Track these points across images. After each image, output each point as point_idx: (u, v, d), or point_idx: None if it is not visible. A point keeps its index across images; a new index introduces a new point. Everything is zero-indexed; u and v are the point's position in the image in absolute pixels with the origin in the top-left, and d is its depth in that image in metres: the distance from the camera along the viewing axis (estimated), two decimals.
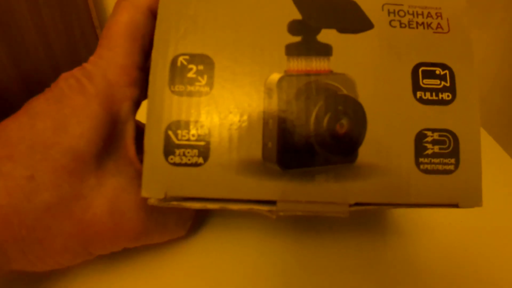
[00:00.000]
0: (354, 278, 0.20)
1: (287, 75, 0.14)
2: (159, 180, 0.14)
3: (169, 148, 0.14)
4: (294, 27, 0.15)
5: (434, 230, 0.23)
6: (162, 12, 0.15)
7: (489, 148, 0.37)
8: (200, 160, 0.14)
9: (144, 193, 0.14)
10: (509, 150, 0.39)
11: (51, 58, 0.32)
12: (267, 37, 0.15)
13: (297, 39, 0.15)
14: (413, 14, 0.15)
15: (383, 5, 0.15)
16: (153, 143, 0.14)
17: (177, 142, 0.14)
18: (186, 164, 0.14)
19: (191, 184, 0.14)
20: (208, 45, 0.14)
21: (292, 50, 0.14)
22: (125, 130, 0.16)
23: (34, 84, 0.30)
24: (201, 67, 0.14)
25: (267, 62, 0.14)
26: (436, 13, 0.15)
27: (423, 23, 0.15)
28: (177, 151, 0.14)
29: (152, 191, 0.14)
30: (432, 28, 0.15)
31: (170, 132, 0.14)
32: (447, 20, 0.15)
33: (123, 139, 0.16)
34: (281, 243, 0.21)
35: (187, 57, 0.14)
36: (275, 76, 0.14)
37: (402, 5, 0.15)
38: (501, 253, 0.22)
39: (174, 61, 0.14)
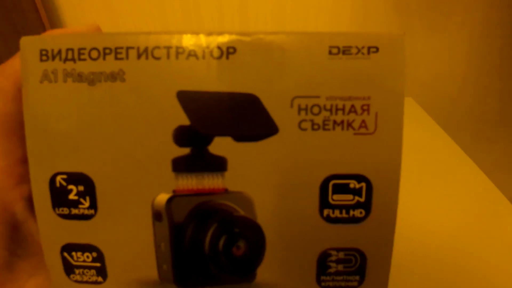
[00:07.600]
0: None
1: (176, 196, 0.13)
2: None
3: (68, 268, 0.14)
4: (180, 136, 0.12)
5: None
6: (30, 126, 0.13)
7: (453, 152, 0.39)
8: (100, 278, 0.14)
9: None
10: (476, 154, 0.40)
11: None
12: (151, 149, 0.12)
13: (186, 151, 0.12)
14: (330, 109, 0.12)
15: (293, 99, 0.12)
16: (54, 264, 0.14)
17: (74, 263, 0.14)
18: (87, 282, 0.14)
19: None
20: (85, 162, 0.13)
21: (179, 166, 0.12)
22: (28, 228, 0.15)
23: None
24: (81, 188, 0.13)
25: (153, 181, 0.12)
26: (362, 106, 0.12)
27: (342, 121, 0.12)
28: (77, 271, 0.14)
29: None
30: (353, 129, 0.12)
31: (66, 254, 0.14)
32: (376, 115, 0.12)
33: (31, 236, 0.15)
34: None
35: (65, 176, 0.13)
36: (163, 197, 0.13)
37: (318, 97, 0.12)
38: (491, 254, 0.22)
39: (52, 180, 0.13)
